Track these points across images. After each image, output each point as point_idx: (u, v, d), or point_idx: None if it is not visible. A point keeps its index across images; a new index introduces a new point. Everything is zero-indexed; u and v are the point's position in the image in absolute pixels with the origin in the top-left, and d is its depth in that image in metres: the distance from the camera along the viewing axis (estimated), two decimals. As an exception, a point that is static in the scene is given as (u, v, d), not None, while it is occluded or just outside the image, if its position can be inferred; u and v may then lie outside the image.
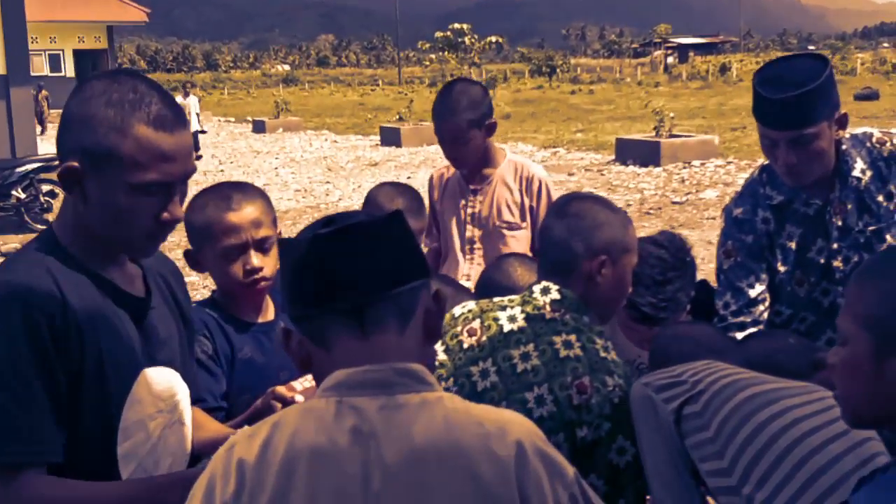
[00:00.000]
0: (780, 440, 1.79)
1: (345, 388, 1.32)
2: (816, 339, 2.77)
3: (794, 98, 2.50)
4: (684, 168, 15.71)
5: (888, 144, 2.78)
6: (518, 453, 1.29)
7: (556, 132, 23.36)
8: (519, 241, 3.49)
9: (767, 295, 2.80)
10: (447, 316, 2.21)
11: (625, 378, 2.02)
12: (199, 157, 20.69)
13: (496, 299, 2.20)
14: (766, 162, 2.76)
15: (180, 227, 1.99)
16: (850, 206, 2.74)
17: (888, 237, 2.79)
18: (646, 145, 16.64)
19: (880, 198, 2.77)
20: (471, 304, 2.20)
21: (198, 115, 21.49)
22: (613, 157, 17.36)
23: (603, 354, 2.03)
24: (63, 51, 39.54)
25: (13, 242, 11.48)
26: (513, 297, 2.19)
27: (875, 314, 1.32)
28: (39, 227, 11.82)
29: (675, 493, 1.98)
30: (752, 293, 2.78)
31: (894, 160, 2.77)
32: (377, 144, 22.54)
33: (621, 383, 2.00)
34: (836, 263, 2.75)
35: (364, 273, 1.32)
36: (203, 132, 21.64)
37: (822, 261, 2.76)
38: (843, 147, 2.71)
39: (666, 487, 1.99)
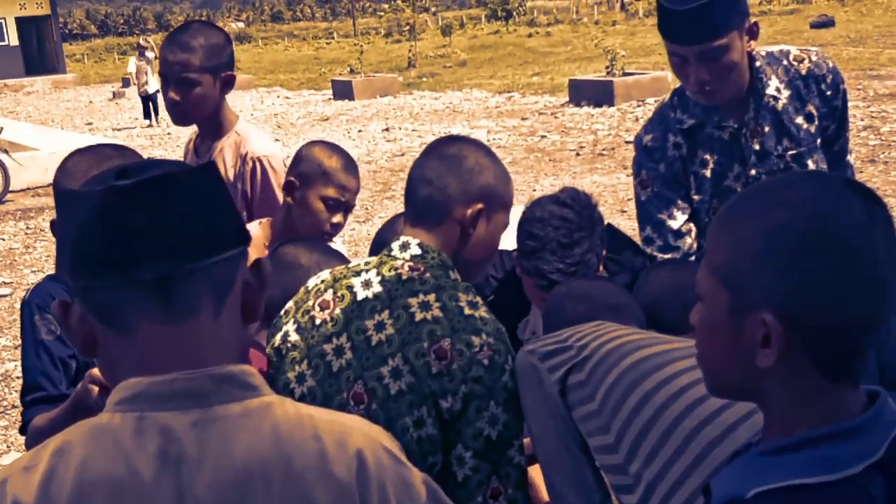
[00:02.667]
0: (668, 411, 1.58)
1: (146, 400, 1.06)
2: None
3: (698, 7, 2.29)
4: (638, 106, 15.49)
5: (806, 62, 2.57)
6: (360, 475, 1.08)
7: (512, 77, 23.01)
8: None
9: (693, 225, 2.60)
10: (301, 290, 1.97)
11: (497, 335, 1.77)
12: (157, 117, 20.19)
13: (352, 264, 1.95)
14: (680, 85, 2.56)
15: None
16: (767, 129, 2.55)
17: (809, 162, 2.60)
18: (599, 85, 16.41)
19: (799, 119, 2.58)
20: (324, 274, 1.95)
21: (155, 76, 20.88)
22: (567, 98, 17.10)
23: (468, 312, 1.78)
24: (5, 19, 38.47)
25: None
26: (370, 258, 1.94)
27: (731, 265, 1.09)
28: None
29: (566, 472, 1.77)
30: (674, 224, 2.59)
31: (813, 79, 2.57)
32: (329, 99, 22.10)
33: (491, 342, 1.75)
34: None
35: (172, 237, 1.06)
36: (158, 93, 21.02)
37: (740, 188, 2.56)
38: (758, 64, 2.51)
39: (554, 466, 1.78)
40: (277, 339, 1.92)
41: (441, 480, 1.74)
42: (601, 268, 2.41)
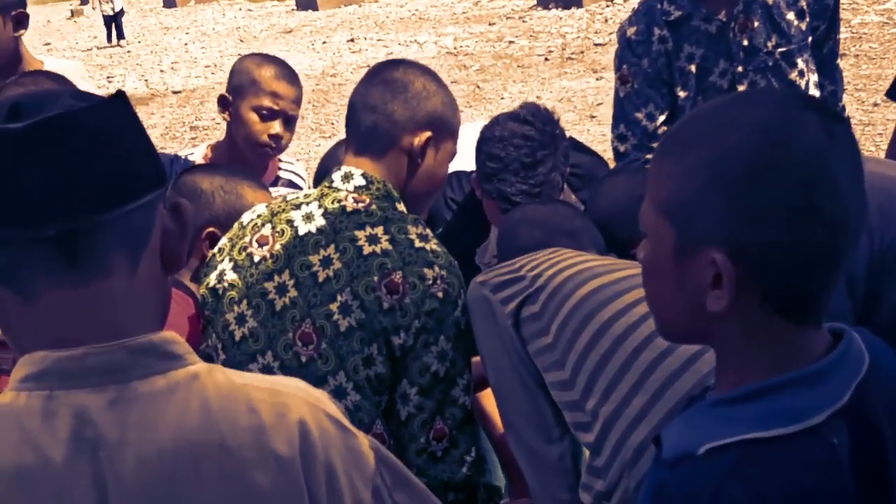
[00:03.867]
0: (625, 343, 1.49)
1: (55, 377, 0.93)
2: None
3: None
4: (607, 6, 15.19)
5: None
6: (303, 449, 0.96)
7: (479, -20, 22.54)
8: None
9: (669, 128, 2.46)
10: (235, 226, 1.85)
11: (450, 268, 1.68)
12: (121, 39, 19.64)
13: (290, 197, 1.83)
14: None
15: None
16: (757, 24, 2.42)
17: (799, 61, 2.48)
18: (567, -14, 16.06)
19: (790, 15, 2.45)
20: (261, 208, 1.83)
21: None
22: (535, 1, 16.75)
23: (419, 244, 1.68)
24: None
25: None
26: (309, 191, 1.82)
27: (675, 198, 0.96)
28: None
29: (522, 408, 1.68)
30: (650, 125, 2.47)
31: None
32: (293, 10, 21.56)
33: (444, 275, 1.66)
34: (742, 89, 2.43)
35: (76, 186, 0.91)
36: (122, 13, 20.37)
37: (726, 85, 2.45)
38: None
39: (511, 401, 1.69)
40: (212, 278, 1.81)
41: (384, 420, 1.68)
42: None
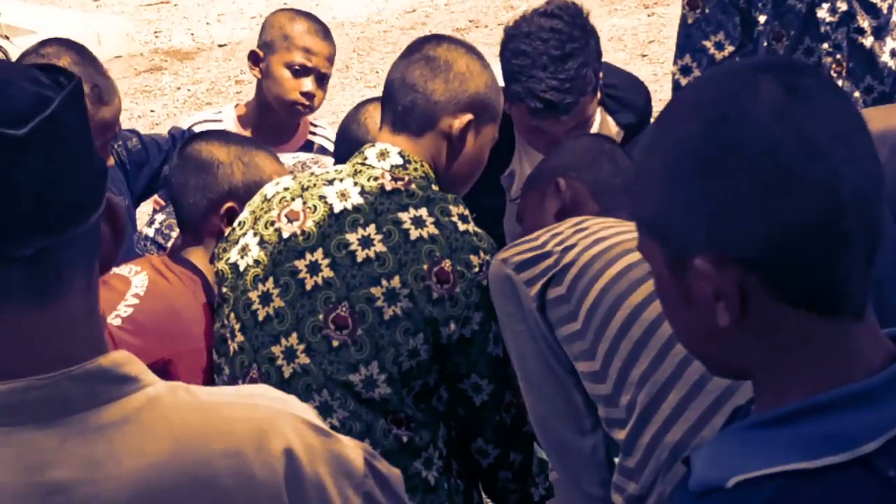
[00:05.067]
0: (661, 329, 1.37)
1: None
2: None
3: None
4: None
5: None
6: (289, 470, 0.86)
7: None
8: None
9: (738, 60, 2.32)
10: (257, 198, 1.75)
11: (493, 251, 1.65)
12: None
13: (318, 171, 1.76)
14: None
15: None
16: None
17: None
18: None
19: None
20: (286, 181, 1.76)
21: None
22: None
23: (462, 227, 1.65)
24: None
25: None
26: (339, 166, 1.73)
27: (648, 209, 0.86)
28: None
29: (552, 399, 1.57)
30: (719, 55, 2.32)
31: None
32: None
33: (488, 259, 1.63)
34: (821, 13, 2.27)
35: (58, 196, 0.82)
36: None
37: (804, 8, 2.28)
38: None
39: (539, 392, 1.58)
40: (234, 253, 1.75)
41: (433, 400, 1.68)
42: (597, 104, 2.17)
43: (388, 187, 1.66)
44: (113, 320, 1.77)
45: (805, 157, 0.78)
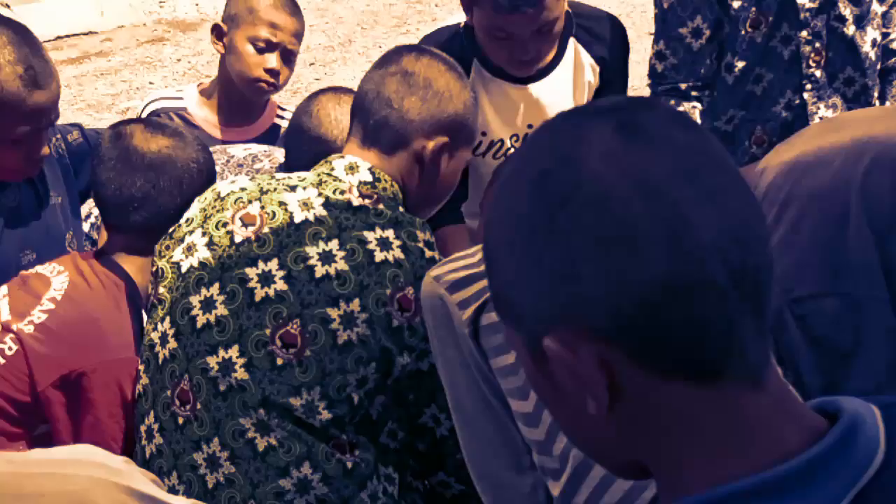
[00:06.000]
0: None
1: None
2: (774, 104, 2.21)
3: None
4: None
5: None
6: None
7: None
8: None
9: (716, 47, 2.25)
10: (208, 195, 1.66)
11: None
12: None
13: (280, 175, 1.66)
14: None
15: None
16: None
17: None
18: None
19: None
20: (244, 181, 1.66)
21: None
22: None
23: (429, 254, 1.56)
24: None
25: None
26: (302, 174, 1.64)
27: (493, 287, 0.75)
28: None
29: (486, 434, 1.40)
30: (696, 43, 2.24)
31: None
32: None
33: None
34: None
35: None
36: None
37: None
38: None
39: (472, 427, 1.42)
40: (178, 252, 1.64)
41: (382, 436, 1.58)
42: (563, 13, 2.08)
43: (356, 203, 1.56)
44: (25, 326, 1.69)
45: (643, 202, 0.66)
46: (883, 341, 1.37)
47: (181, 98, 2.52)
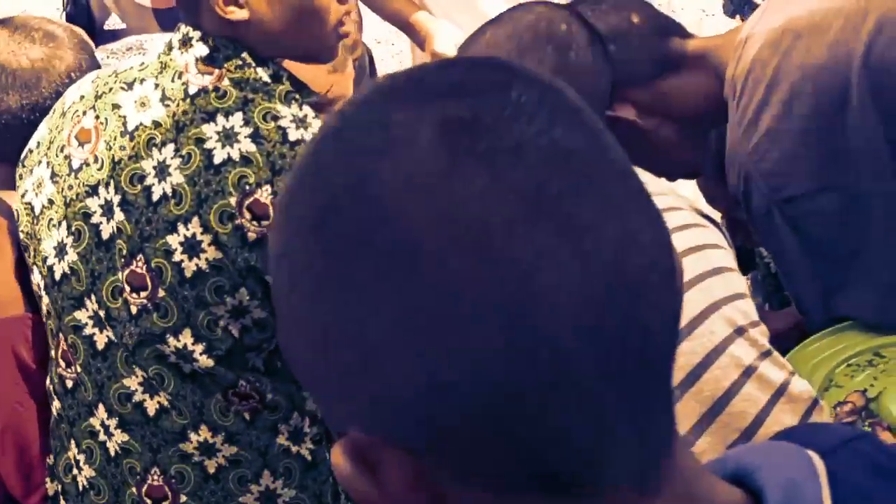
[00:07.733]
0: None
1: None
2: None
3: None
4: None
5: None
6: None
7: None
8: None
9: None
10: (56, 107, 1.37)
11: None
12: None
13: (122, 67, 1.35)
14: None
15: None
16: None
17: None
18: None
19: None
20: (86, 84, 1.36)
21: None
22: None
23: (296, 135, 1.21)
24: None
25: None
26: (146, 60, 1.33)
27: (287, 351, 0.52)
28: None
29: None
30: None
31: None
32: None
33: None
34: None
35: None
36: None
37: None
38: None
39: None
40: (29, 187, 1.37)
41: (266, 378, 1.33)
42: None
43: (193, 89, 1.23)
44: None
45: (467, 259, 0.43)
46: (893, 242, 1.17)
47: None
